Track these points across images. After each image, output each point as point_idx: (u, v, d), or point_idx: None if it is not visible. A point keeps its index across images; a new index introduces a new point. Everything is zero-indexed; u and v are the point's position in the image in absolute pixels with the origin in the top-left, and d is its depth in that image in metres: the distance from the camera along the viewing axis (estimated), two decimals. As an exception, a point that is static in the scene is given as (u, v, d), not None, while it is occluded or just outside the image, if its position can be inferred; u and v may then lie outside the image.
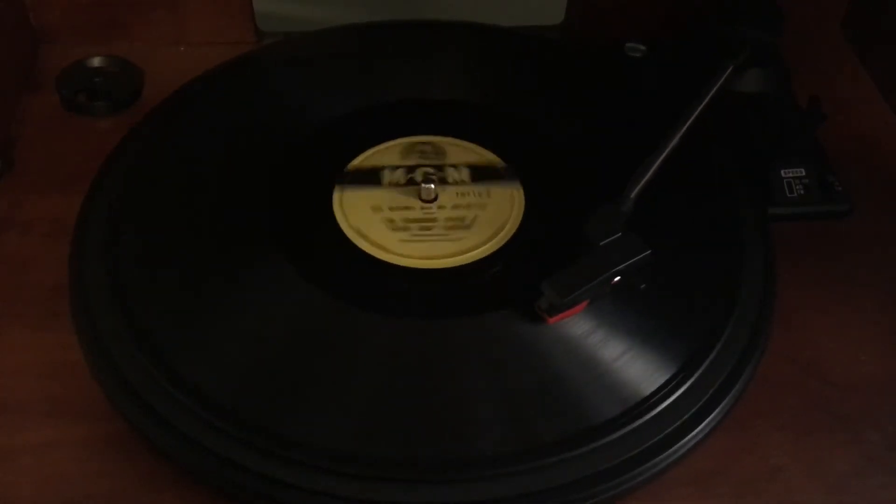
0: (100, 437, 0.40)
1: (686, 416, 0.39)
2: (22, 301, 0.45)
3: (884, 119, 0.58)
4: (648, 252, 0.40)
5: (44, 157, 0.53)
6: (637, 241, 0.40)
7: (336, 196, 0.45)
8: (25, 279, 0.46)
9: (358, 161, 0.47)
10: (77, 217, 0.46)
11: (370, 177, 0.46)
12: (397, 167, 0.47)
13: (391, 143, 0.48)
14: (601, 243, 0.40)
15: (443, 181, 0.46)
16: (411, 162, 0.47)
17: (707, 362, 0.40)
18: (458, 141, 0.49)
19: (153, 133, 0.49)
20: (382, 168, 0.47)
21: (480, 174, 0.47)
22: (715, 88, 0.48)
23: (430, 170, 0.47)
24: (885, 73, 0.59)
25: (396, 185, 0.46)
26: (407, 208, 0.45)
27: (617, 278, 0.40)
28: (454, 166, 0.47)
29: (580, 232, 0.41)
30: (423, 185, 0.45)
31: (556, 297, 0.38)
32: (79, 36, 0.59)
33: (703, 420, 0.39)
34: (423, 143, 0.48)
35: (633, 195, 0.43)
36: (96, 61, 0.58)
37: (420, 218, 0.45)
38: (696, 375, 0.40)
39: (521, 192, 0.46)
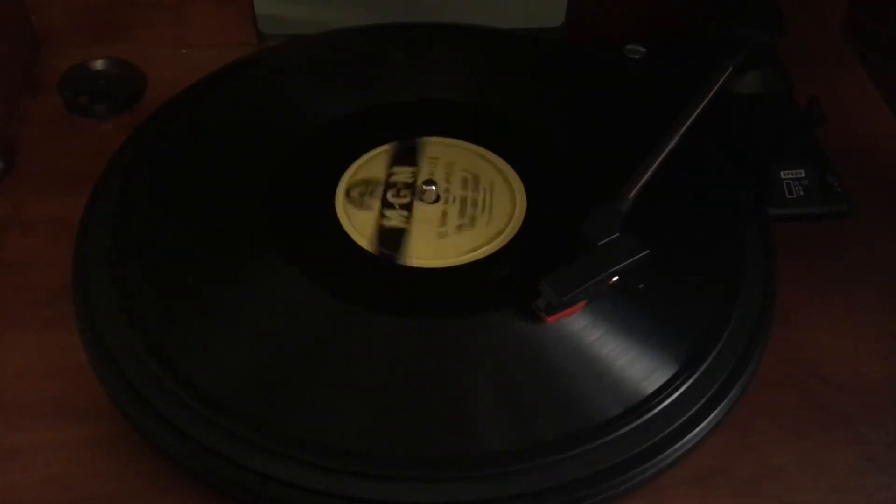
0: (103, 438, 0.40)
1: (686, 416, 0.39)
2: (24, 302, 0.46)
3: (883, 120, 0.58)
4: (646, 252, 0.40)
5: (46, 159, 0.53)
6: (635, 242, 0.41)
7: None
8: (28, 280, 0.47)
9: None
10: (80, 218, 0.46)
11: (392, 235, 0.44)
12: (382, 212, 0.45)
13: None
14: (599, 243, 0.40)
15: (408, 185, 0.46)
16: (376, 204, 0.46)
17: (707, 362, 0.40)
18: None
19: (155, 135, 0.50)
20: (381, 224, 0.45)
21: (403, 159, 0.47)
22: (714, 89, 0.48)
23: (392, 191, 0.46)
24: (885, 75, 0.60)
25: (408, 218, 0.45)
26: (445, 214, 0.45)
27: (615, 278, 0.40)
28: (391, 175, 0.47)
29: (579, 232, 0.41)
30: (424, 187, 0.46)
31: (554, 297, 0.38)
32: (81, 38, 0.59)
33: (704, 419, 0.39)
34: (352, 186, 0.47)
35: (631, 195, 0.43)
36: (98, 63, 0.58)
37: (461, 206, 0.45)
38: (696, 375, 0.40)
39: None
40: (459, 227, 0.45)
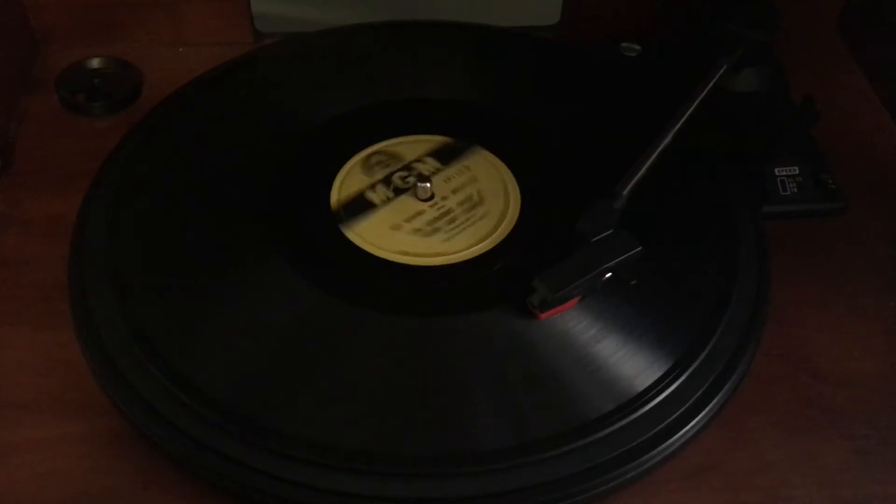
0: (99, 435, 0.41)
1: (679, 412, 0.39)
2: (21, 300, 0.46)
3: (877, 117, 0.58)
4: (639, 248, 0.40)
5: (43, 157, 0.53)
6: (628, 238, 0.41)
7: (349, 233, 0.45)
8: (25, 278, 0.47)
9: (337, 190, 0.47)
10: (76, 216, 0.46)
11: (361, 205, 0.46)
12: (375, 184, 0.46)
13: (349, 163, 0.48)
14: (592, 240, 0.41)
15: (422, 177, 0.46)
16: (379, 175, 0.47)
17: (700, 358, 0.40)
18: (405, 138, 0.49)
19: (152, 133, 0.50)
20: (363, 192, 0.46)
21: (443, 156, 0.48)
22: (708, 87, 0.49)
23: (403, 173, 0.47)
24: (879, 72, 0.60)
25: (388, 200, 0.46)
26: (420, 213, 0.45)
27: (608, 274, 0.40)
28: (418, 161, 0.47)
29: (574, 229, 0.41)
30: (418, 184, 0.46)
31: (547, 293, 0.39)
32: (78, 37, 0.60)
33: (697, 416, 0.39)
34: (377, 152, 0.48)
35: (625, 192, 0.43)
36: (95, 62, 0.58)
37: (439, 216, 0.45)
38: (689, 371, 0.40)
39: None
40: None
